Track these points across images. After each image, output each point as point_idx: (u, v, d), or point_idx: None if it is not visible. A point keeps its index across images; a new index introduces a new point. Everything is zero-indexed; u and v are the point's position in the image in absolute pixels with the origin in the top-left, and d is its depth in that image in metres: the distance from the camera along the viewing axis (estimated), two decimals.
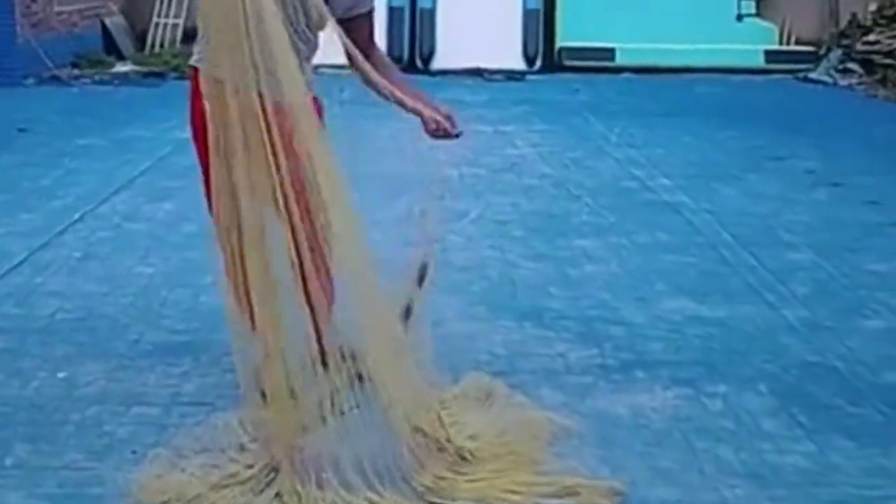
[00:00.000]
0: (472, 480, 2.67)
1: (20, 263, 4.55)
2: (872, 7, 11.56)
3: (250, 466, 2.67)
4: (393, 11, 11.56)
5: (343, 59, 2.87)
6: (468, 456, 2.74)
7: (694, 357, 3.58)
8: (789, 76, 11.48)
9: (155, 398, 3.19)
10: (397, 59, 10.22)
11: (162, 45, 11.74)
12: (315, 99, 2.86)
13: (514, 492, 2.62)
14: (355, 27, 2.95)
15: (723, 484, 2.71)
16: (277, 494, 2.58)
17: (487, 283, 4.36)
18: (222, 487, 2.61)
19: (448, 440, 2.75)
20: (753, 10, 11.97)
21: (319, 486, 2.57)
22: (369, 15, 3.07)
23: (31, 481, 2.68)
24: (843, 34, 11.63)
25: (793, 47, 11.96)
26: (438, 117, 2.97)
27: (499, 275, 4.49)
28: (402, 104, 2.96)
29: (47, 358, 3.50)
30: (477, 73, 11.33)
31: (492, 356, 3.53)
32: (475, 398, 3.07)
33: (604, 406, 3.17)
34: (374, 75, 2.88)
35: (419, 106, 2.99)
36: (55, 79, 10.35)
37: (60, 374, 3.37)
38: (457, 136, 2.99)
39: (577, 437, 2.92)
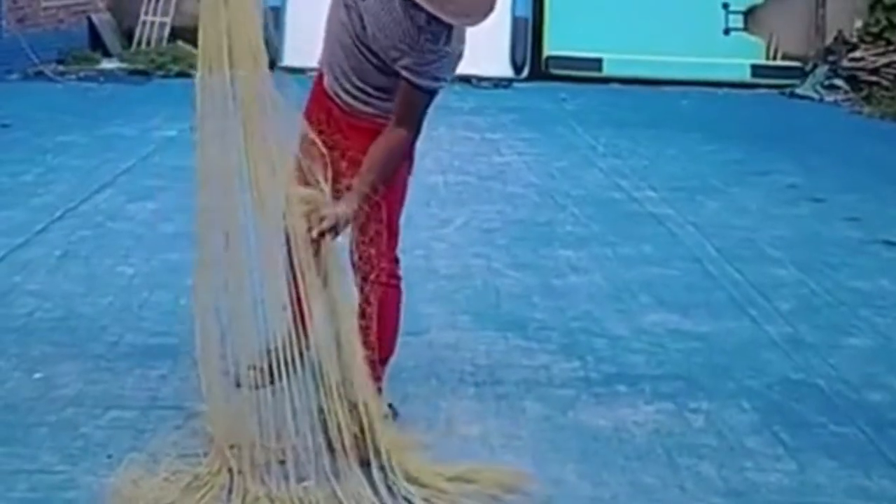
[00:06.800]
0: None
1: None
2: (858, 24, 11.62)
3: (212, 471, 2.64)
4: None
5: None
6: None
7: (677, 372, 3.57)
8: (775, 91, 11.51)
9: (132, 401, 3.16)
10: None
11: (149, 43, 11.65)
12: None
13: (414, 478, 2.61)
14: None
15: (704, 501, 2.70)
16: (243, 495, 2.55)
17: (472, 292, 4.34)
18: (195, 490, 2.58)
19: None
20: (741, 25, 12.01)
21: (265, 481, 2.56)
22: (418, 89, 2.83)
23: (3, 484, 2.64)
24: (829, 50, 11.69)
25: (779, 62, 12.00)
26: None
27: (483, 283, 4.47)
28: None
29: (24, 358, 3.46)
30: (465, 79, 11.32)
31: (475, 367, 3.51)
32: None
33: (586, 419, 3.15)
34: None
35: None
36: (40, 74, 10.26)
37: (37, 375, 3.32)
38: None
39: (558, 451, 2.91)
